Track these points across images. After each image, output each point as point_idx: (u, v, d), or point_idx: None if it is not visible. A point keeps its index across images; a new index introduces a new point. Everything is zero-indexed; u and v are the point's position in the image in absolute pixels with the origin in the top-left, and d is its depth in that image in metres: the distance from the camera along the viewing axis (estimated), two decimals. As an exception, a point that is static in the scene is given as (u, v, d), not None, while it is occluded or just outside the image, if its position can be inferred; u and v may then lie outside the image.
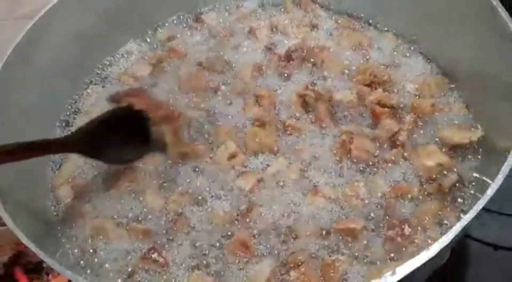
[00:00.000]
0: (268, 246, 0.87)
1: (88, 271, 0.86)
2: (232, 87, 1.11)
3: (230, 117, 1.05)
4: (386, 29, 1.19)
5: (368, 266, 0.83)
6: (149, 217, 0.92)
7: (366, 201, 0.91)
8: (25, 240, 0.74)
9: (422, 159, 0.94)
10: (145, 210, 0.93)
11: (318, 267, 0.84)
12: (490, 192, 0.73)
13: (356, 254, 0.85)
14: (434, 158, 0.94)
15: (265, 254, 0.86)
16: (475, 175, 0.91)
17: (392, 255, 0.84)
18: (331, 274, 0.82)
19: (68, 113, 1.12)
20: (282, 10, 1.26)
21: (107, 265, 0.87)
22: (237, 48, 1.19)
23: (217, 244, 0.88)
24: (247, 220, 0.90)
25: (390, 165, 0.95)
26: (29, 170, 0.86)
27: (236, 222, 0.90)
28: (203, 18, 1.26)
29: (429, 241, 0.84)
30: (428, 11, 1.10)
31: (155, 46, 1.23)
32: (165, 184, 0.96)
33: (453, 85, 1.07)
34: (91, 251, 0.89)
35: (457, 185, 0.91)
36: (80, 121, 1.10)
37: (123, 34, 1.23)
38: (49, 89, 1.06)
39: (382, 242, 0.86)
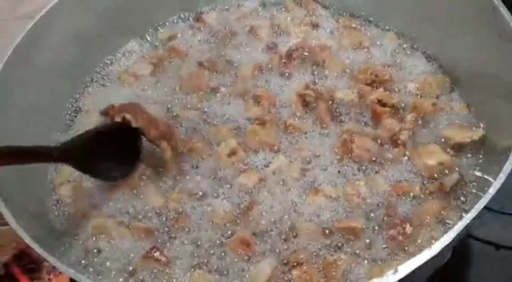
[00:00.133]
0: (270, 245, 0.87)
1: (90, 270, 0.86)
2: (232, 87, 1.11)
3: (230, 116, 1.05)
4: (387, 28, 1.19)
5: (369, 265, 0.83)
6: (150, 215, 0.92)
7: (368, 200, 0.91)
8: (28, 240, 0.74)
9: (424, 158, 0.94)
10: (146, 208, 0.93)
11: (320, 265, 0.83)
12: (492, 191, 0.72)
13: (358, 252, 0.85)
14: (436, 157, 0.94)
15: (266, 252, 0.86)
16: (476, 173, 0.91)
17: (393, 254, 0.84)
18: (333, 273, 0.82)
19: (69, 113, 1.12)
20: (283, 9, 1.26)
21: (108, 264, 0.87)
22: (238, 48, 1.19)
23: (218, 243, 0.88)
24: (248, 218, 0.90)
25: (391, 164, 0.95)
26: (30, 169, 0.86)
27: (237, 220, 0.90)
28: (204, 18, 1.27)
29: (431, 240, 0.84)
30: (429, 11, 1.10)
31: (156, 46, 1.23)
32: (165, 182, 0.96)
33: (454, 85, 1.07)
34: (92, 250, 0.89)
35: (459, 184, 0.90)
36: (81, 120, 1.10)
37: (124, 34, 1.22)
38: (50, 89, 1.06)
39: (383, 241, 0.86)
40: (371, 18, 1.22)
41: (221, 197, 0.93)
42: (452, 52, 1.07)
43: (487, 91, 0.97)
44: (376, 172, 0.94)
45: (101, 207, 0.94)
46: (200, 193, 0.94)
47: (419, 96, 1.05)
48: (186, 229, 0.90)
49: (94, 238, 0.90)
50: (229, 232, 0.89)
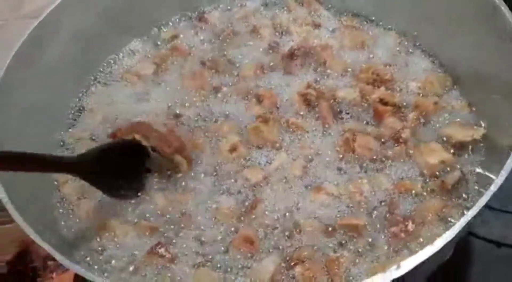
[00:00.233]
0: (273, 242, 0.87)
1: (95, 267, 0.87)
2: (235, 86, 1.11)
3: (232, 115, 1.06)
4: (389, 27, 1.20)
5: (372, 262, 0.84)
6: (155, 213, 0.93)
7: (370, 198, 0.91)
8: (34, 236, 0.74)
9: (425, 156, 0.94)
10: (151, 206, 0.94)
11: (323, 263, 0.84)
12: (493, 188, 0.73)
13: (360, 250, 0.85)
14: (437, 155, 0.94)
15: (269, 250, 0.87)
16: (478, 171, 0.92)
17: (396, 251, 0.85)
18: (336, 270, 0.83)
19: (72, 112, 1.12)
20: (285, 9, 1.27)
21: (113, 262, 0.87)
22: (240, 47, 1.19)
23: (222, 240, 0.88)
24: (252, 216, 0.90)
25: (393, 162, 0.95)
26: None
27: (240, 218, 0.91)
28: (207, 17, 1.27)
29: (433, 238, 0.84)
30: (430, 10, 1.11)
31: (159, 45, 1.24)
32: (169, 181, 0.97)
33: (455, 84, 1.07)
34: (97, 248, 0.90)
35: (460, 182, 0.91)
36: (84, 119, 1.10)
37: (127, 33, 1.23)
38: (53, 88, 1.06)
39: (386, 238, 0.86)
40: (373, 18, 1.22)
41: (225, 194, 0.94)
42: (453, 51, 1.07)
43: (488, 90, 0.97)
44: (378, 170, 0.95)
45: (105, 205, 0.95)
46: (204, 190, 0.95)
47: (420, 95, 1.06)
48: (190, 226, 0.90)
49: (98, 236, 0.91)
50: (233, 229, 0.89)
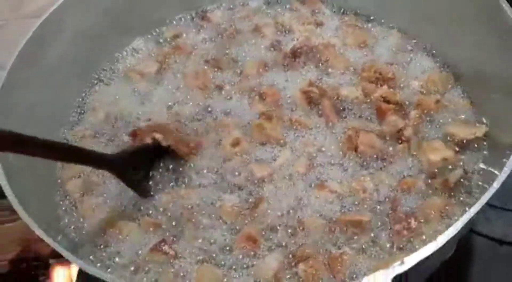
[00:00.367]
0: (276, 239, 0.88)
1: (98, 265, 0.87)
2: (237, 84, 1.12)
3: (235, 113, 1.06)
4: (391, 26, 1.20)
5: (375, 259, 0.84)
6: (159, 210, 0.93)
7: (373, 195, 0.91)
8: (43, 235, 0.74)
9: (428, 154, 0.95)
10: (154, 203, 0.94)
11: (326, 260, 0.84)
12: (496, 185, 0.73)
13: (363, 247, 0.86)
14: (440, 153, 0.94)
15: (273, 247, 0.87)
16: (480, 169, 0.92)
17: (398, 248, 0.85)
18: (339, 267, 0.83)
19: (76, 110, 1.12)
20: (287, 7, 1.27)
21: (117, 258, 0.88)
22: (243, 46, 1.19)
23: (225, 238, 0.89)
24: (255, 214, 0.90)
25: (396, 160, 0.96)
26: (39, 165, 0.87)
27: (244, 215, 0.91)
28: (209, 16, 1.28)
29: (435, 235, 0.85)
30: (430, 10, 1.11)
31: (162, 44, 1.24)
32: (173, 177, 0.97)
33: (457, 82, 1.08)
34: (100, 244, 0.90)
35: (463, 179, 0.91)
36: (88, 117, 1.11)
37: (130, 32, 1.23)
38: (57, 87, 1.07)
39: (388, 236, 0.86)
40: (375, 17, 1.22)
41: (228, 191, 0.94)
42: (455, 50, 1.08)
43: (489, 89, 0.98)
44: (381, 168, 0.95)
45: (109, 202, 0.95)
46: (207, 187, 0.95)
47: (422, 93, 1.06)
48: (194, 224, 0.91)
49: (102, 233, 0.91)
50: (237, 227, 0.90)
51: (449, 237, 0.67)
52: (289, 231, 0.88)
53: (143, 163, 0.96)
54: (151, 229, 0.90)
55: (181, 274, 0.85)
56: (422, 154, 0.96)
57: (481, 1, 0.97)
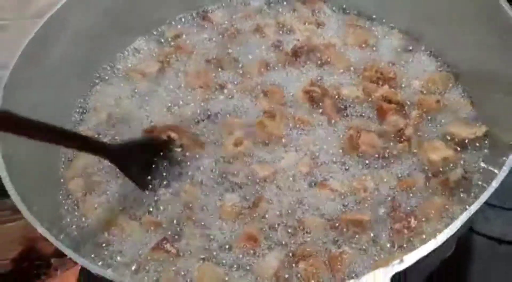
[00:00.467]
0: (276, 238, 0.88)
1: (100, 263, 0.87)
2: (239, 84, 1.12)
3: (238, 112, 1.07)
4: (392, 26, 1.20)
5: (374, 258, 0.85)
6: (161, 208, 0.94)
7: (373, 195, 0.92)
8: (45, 233, 0.75)
9: (428, 154, 0.95)
10: (156, 202, 0.94)
11: (326, 258, 0.85)
12: (495, 183, 0.73)
13: (363, 246, 0.86)
14: (440, 153, 0.95)
15: (273, 246, 0.87)
16: (482, 165, 0.93)
17: (398, 247, 0.85)
18: (338, 266, 0.83)
19: (77, 111, 1.13)
20: (288, 7, 1.27)
21: (118, 257, 0.88)
22: (244, 46, 1.20)
23: (226, 237, 0.89)
24: (256, 213, 0.91)
25: (396, 159, 0.96)
26: (42, 163, 0.87)
27: (245, 214, 0.91)
28: (210, 16, 1.28)
29: (435, 234, 0.85)
30: (430, 10, 1.11)
31: (163, 44, 1.24)
32: (174, 176, 0.98)
33: (457, 82, 1.08)
34: (102, 243, 0.90)
35: (463, 179, 0.91)
36: (90, 118, 1.11)
37: (131, 32, 1.23)
38: (59, 87, 1.07)
39: (388, 235, 0.87)
40: (376, 17, 1.23)
41: (229, 190, 0.94)
42: (455, 50, 1.08)
43: (490, 89, 0.98)
44: (382, 167, 0.95)
45: (111, 201, 0.96)
46: (208, 185, 0.95)
47: (423, 93, 1.06)
48: (195, 223, 0.91)
49: (103, 231, 0.91)
50: (237, 226, 0.90)
51: (449, 235, 0.67)
52: (289, 230, 0.89)
53: (143, 155, 0.97)
54: (152, 227, 0.91)
55: (182, 272, 0.85)
56: (423, 153, 0.96)
57: (481, 1, 0.98)
